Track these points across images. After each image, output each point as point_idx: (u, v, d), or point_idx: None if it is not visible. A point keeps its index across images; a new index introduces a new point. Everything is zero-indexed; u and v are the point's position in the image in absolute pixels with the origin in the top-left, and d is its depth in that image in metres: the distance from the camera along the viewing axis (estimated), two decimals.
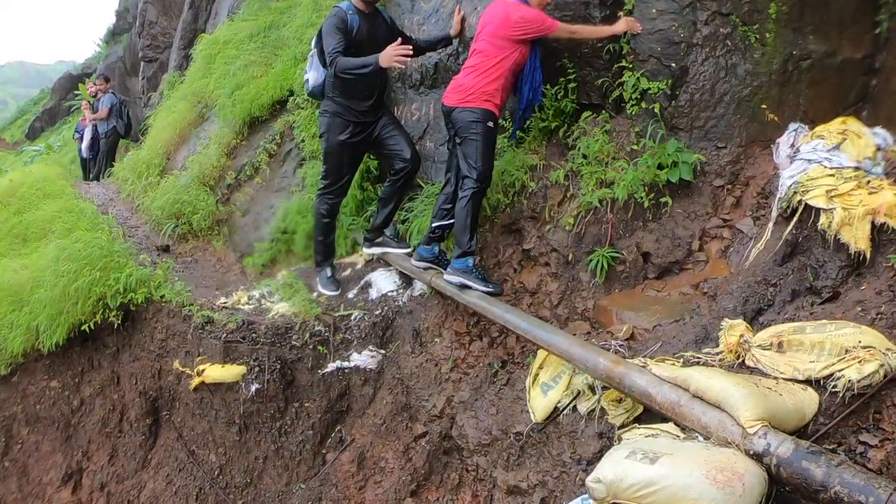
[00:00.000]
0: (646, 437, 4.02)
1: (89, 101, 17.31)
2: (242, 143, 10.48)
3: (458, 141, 6.28)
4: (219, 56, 11.78)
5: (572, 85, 6.52)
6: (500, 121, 6.56)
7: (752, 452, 3.48)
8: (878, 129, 5.30)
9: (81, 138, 17.07)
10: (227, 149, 10.55)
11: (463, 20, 7.19)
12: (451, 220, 6.42)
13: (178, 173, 10.97)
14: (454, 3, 7.36)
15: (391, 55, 6.20)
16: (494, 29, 6.18)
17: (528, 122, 6.82)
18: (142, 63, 19.91)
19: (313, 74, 7.31)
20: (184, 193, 10.19)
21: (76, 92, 26.75)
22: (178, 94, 13.30)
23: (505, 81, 6.21)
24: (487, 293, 6.06)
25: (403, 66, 6.64)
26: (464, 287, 6.20)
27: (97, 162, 16.42)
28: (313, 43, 7.33)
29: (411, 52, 6.27)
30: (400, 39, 6.45)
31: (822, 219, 4.71)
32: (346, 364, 7.11)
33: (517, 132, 6.87)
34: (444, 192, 6.58)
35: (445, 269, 6.40)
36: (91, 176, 16.41)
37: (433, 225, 6.60)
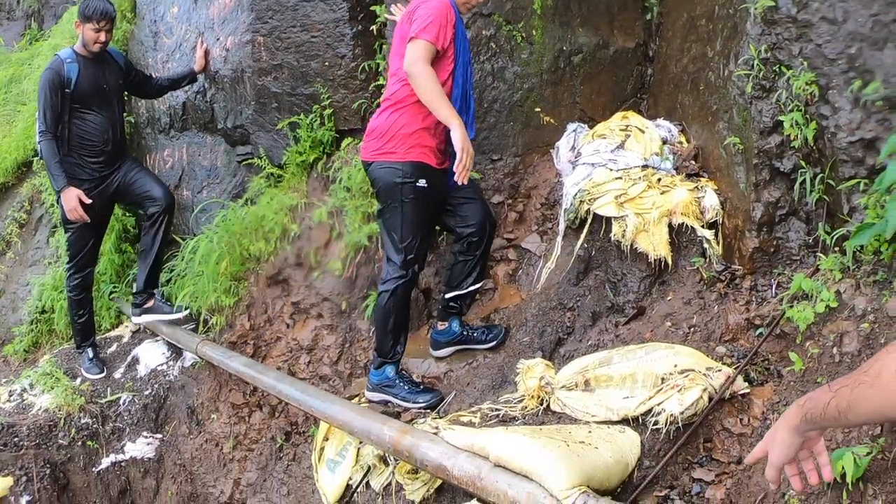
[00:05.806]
0: None
1: None
2: None
3: (380, 207, 4.54)
4: None
5: (328, 111, 5.86)
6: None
7: None
8: (661, 121, 5.09)
9: None
10: None
11: (207, 54, 6.54)
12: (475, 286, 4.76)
13: None
14: (196, 37, 6.69)
15: (72, 209, 6.00)
16: (401, 37, 4.28)
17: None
18: None
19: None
20: None
21: None
22: None
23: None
24: (422, 409, 4.39)
25: (79, 221, 6.13)
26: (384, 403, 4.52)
27: None
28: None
29: (88, 219, 6.09)
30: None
31: (615, 228, 4.44)
32: (121, 457, 6.35)
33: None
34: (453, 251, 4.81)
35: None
36: None
37: (447, 296, 4.74)
